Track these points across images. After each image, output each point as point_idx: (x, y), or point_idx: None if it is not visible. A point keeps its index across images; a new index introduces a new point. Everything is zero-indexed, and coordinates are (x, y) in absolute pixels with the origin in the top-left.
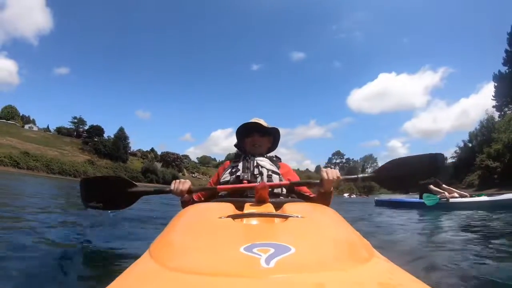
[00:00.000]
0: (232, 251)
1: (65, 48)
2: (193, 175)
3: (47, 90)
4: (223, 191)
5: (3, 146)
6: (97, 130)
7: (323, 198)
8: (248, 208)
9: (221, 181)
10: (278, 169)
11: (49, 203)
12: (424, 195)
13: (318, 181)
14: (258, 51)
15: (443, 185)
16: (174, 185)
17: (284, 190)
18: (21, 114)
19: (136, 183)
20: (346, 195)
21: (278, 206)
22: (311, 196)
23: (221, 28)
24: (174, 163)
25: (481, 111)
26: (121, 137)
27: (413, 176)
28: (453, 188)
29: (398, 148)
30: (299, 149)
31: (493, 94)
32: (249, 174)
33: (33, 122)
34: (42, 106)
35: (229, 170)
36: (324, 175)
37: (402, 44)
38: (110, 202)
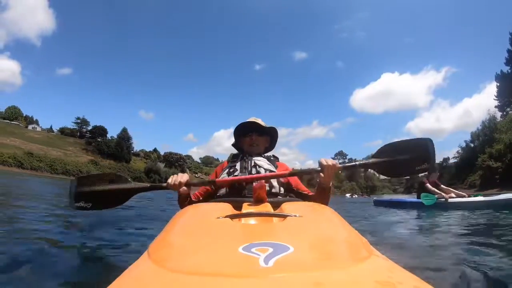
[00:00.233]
0: (231, 251)
1: (67, 49)
2: (196, 175)
3: (49, 91)
4: (222, 189)
5: (7, 146)
6: (100, 131)
7: (322, 194)
8: (246, 208)
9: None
10: (276, 168)
11: (49, 202)
12: (422, 194)
13: (319, 168)
14: (261, 51)
15: (442, 186)
16: (172, 178)
17: (282, 189)
18: (24, 115)
19: (130, 180)
20: (348, 195)
21: (276, 205)
22: (309, 194)
23: (224, 28)
24: (177, 163)
25: (484, 111)
26: (124, 137)
27: (409, 161)
28: (453, 188)
29: None
30: (302, 149)
31: (495, 94)
32: (247, 173)
33: (36, 122)
34: (45, 107)
35: (227, 170)
36: (324, 162)
37: (405, 44)
38: (101, 201)
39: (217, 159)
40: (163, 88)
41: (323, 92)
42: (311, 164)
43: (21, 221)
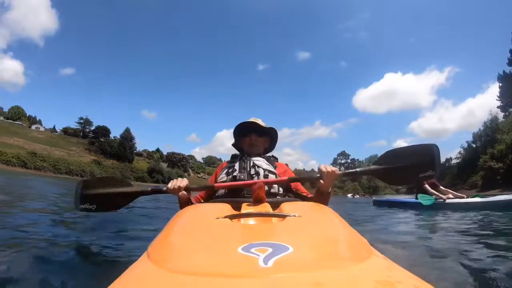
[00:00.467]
0: (230, 251)
1: (70, 49)
2: (199, 175)
3: (52, 91)
4: (221, 189)
5: (11, 146)
6: (103, 131)
7: (321, 198)
8: (246, 208)
9: (217, 181)
10: (275, 169)
11: (52, 202)
12: (419, 195)
13: (318, 175)
14: (264, 51)
15: (440, 187)
16: (172, 183)
17: (281, 189)
18: (27, 115)
19: (132, 184)
20: (349, 195)
21: (275, 205)
22: (308, 196)
23: (227, 28)
24: (179, 164)
25: (487, 111)
26: (127, 137)
27: (412, 168)
28: (455, 189)
29: None
30: (305, 150)
31: (498, 94)
32: (246, 174)
33: (40, 122)
34: (48, 107)
35: (226, 170)
36: (323, 169)
37: (408, 44)
38: (105, 203)
39: (220, 159)
40: (166, 88)
41: (326, 92)
42: (314, 164)
43: (22, 220)
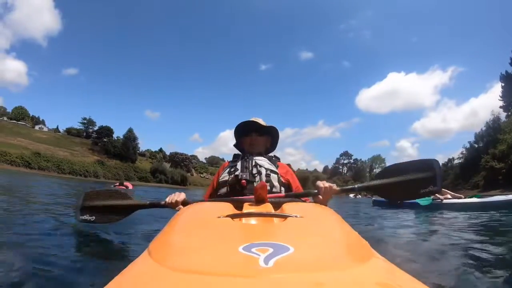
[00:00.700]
0: (231, 250)
1: (73, 49)
2: (202, 175)
3: (56, 91)
4: (223, 188)
5: (15, 146)
6: (106, 131)
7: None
8: (247, 208)
9: (219, 180)
10: (277, 168)
11: (51, 202)
12: None
13: (316, 191)
14: (266, 51)
15: None
16: (169, 197)
17: (283, 189)
18: (31, 115)
19: (131, 197)
20: (351, 195)
21: (277, 206)
22: (306, 202)
23: (230, 28)
24: (182, 164)
25: (490, 111)
26: (130, 137)
27: (413, 183)
28: (457, 190)
29: (408, 149)
30: (308, 150)
31: (500, 94)
32: (248, 173)
33: (43, 122)
34: (51, 107)
35: (228, 169)
36: (321, 185)
37: (411, 43)
38: (104, 215)
39: (223, 159)
40: (169, 87)
41: (329, 92)
42: (317, 164)
43: (25, 218)
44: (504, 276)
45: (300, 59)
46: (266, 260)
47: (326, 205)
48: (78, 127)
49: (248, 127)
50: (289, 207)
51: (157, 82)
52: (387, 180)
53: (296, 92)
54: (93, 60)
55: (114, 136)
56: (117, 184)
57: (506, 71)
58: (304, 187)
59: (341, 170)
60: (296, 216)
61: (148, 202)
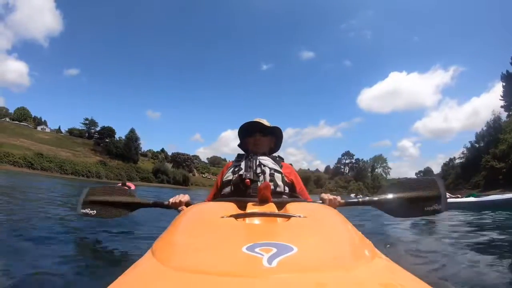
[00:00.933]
0: (235, 250)
1: (75, 50)
2: (203, 176)
3: (57, 92)
4: (227, 188)
5: (17, 147)
6: (108, 131)
7: None
8: (251, 208)
9: (223, 180)
10: (281, 168)
11: (54, 201)
12: None
13: (320, 202)
14: (267, 51)
15: None
16: (174, 198)
17: (287, 189)
18: (33, 116)
19: (134, 195)
20: (353, 195)
21: (280, 205)
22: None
23: (231, 28)
24: (184, 164)
25: (491, 111)
26: (132, 138)
27: (417, 201)
28: (456, 190)
29: (409, 148)
30: (309, 150)
31: (501, 94)
32: (252, 172)
33: (45, 123)
34: (53, 108)
35: (232, 169)
36: (325, 197)
37: (412, 43)
38: (105, 210)
39: (224, 159)
40: (169, 88)
41: (330, 91)
42: (319, 164)
43: (25, 219)
44: (505, 274)
45: (301, 58)
46: (270, 260)
47: None
48: (80, 128)
49: (252, 128)
50: (292, 207)
51: (158, 82)
52: (391, 196)
53: (297, 92)
54: (94, 60)
55: (116, 136)
56: (120, 184)
57: (507, 71)
58: (305, 187)
59: (342, 170)
60: (299, 216)
61: (151, 202)
